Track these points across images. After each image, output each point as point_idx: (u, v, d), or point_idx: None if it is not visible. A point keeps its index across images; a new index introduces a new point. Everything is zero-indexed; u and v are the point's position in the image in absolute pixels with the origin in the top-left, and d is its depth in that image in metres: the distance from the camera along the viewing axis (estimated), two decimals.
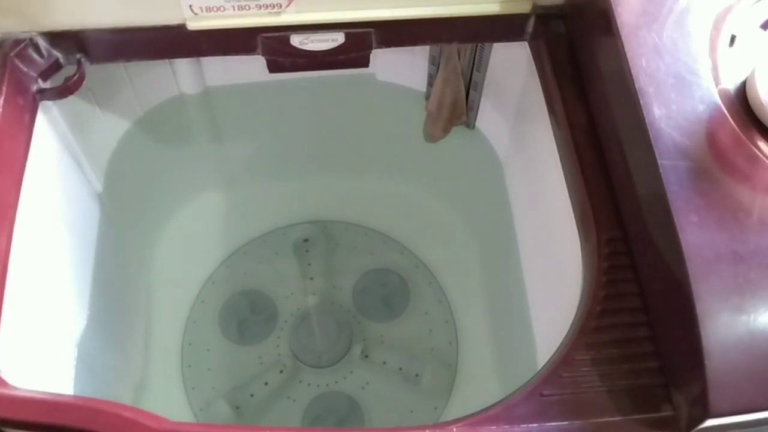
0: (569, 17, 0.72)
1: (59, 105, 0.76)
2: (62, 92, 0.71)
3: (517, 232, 0.93)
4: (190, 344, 1.14)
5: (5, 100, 0.65)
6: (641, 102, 0.56)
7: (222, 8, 0.69)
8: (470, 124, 1.00)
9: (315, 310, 1.17)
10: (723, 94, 0.57)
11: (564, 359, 0.56)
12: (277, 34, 0.72)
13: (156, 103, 1.00)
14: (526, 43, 0.76)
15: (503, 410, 0.53)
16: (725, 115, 0.56)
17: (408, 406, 1.11)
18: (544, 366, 0.56)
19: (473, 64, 0.91)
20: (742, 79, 0.57)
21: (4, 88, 0.65)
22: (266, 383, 1.10)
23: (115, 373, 0.95)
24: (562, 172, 0.68)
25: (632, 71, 0.57)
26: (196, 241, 1.20)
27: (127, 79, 0.93)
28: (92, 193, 0.91)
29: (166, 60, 0.93)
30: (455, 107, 0.96)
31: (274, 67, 0.76)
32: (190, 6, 0.69)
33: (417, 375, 1.11)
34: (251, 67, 0.94)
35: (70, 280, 0.80)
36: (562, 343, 0.57)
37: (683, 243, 0.51)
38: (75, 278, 0.81)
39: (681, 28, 0.60)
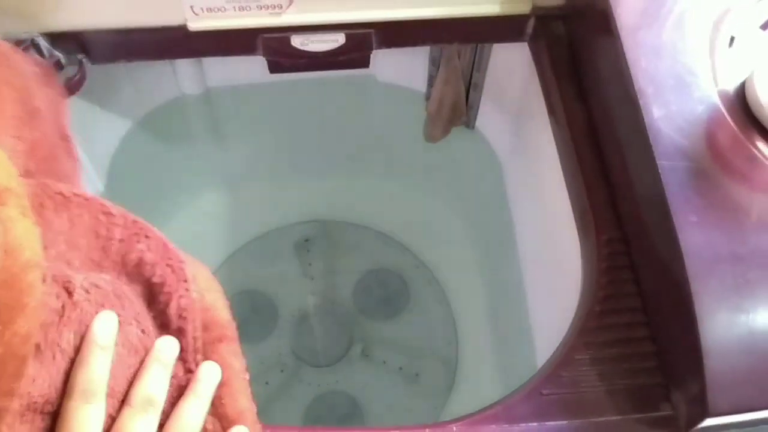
0: (569, 18, 0.72)
1: None
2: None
3: (516, 232, 0.93)
4: None
5: None
6: (640, 103, 0.56)
7: (223, 9, 0.69)
8: (470, 125, 1.00)
9: (315, 309, 1.18)
10: (722, 95, 0.57)
11: (564, 359, 0.56)
12: (277, 34, 0.72)
13: (157, 103, 1.00)
14: (526, 44, 0.76)
15: (503, 410, 0.54)
16: (724, 116, 0.56)
17: (408, 405, 1.11)
18: (543, 365, 0.56)
19: (473, 64, 0.91)
20: (742, 80, 0.58)
21: None
22: (267, 383, 1.11)
23: None
24: (561, 172, 0.68)
25: (632, 72, 0.57)
26: (196, 241, 1.20)
27: (129, 79, 0.94)
28: (94, 192, 0.92)
29: (168, 60, 0.94)
30: (455, 108, 0.96)
31: (274, 68, 0.76)
32: (191, 7, 0.69)
33: (417, 375, 1.11)
34: (252, 68, 0.94)
35: None
36: (561, 343, 0.57)
37: (682, 243, 0.51)
38: None
39: (680, 28, 0.60)
